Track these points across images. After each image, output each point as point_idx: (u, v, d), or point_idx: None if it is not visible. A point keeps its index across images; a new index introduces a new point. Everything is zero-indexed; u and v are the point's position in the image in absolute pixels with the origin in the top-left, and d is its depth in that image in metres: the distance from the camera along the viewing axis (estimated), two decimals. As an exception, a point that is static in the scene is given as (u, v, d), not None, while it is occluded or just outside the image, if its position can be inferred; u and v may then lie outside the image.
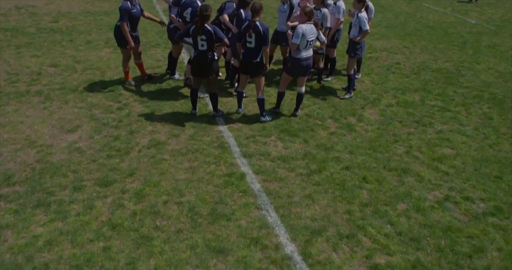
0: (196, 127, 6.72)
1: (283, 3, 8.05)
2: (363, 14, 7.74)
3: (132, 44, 7.47)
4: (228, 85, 8.33)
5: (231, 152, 6.13)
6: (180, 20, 7.52)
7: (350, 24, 9.22)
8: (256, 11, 6.37)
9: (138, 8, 7.57)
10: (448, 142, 6.92)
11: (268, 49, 6.63)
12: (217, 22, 7.87)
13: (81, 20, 11.97)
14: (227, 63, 8.41)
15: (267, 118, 7.03)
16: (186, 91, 7.94)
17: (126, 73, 7.95)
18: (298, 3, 8.14)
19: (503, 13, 17.23)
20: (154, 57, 9.50)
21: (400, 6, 17.17)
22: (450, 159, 6.43)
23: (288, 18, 8.12)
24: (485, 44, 12.61)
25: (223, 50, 7.08)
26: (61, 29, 11.06)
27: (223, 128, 6.77)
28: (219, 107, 7.15)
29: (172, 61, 8.29)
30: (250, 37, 6.47)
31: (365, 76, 9.39)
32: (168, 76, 8.55)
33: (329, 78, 9.01)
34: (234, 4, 7.55)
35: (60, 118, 6.73)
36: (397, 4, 17.39)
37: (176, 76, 8.42)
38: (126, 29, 7.34)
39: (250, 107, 7.54)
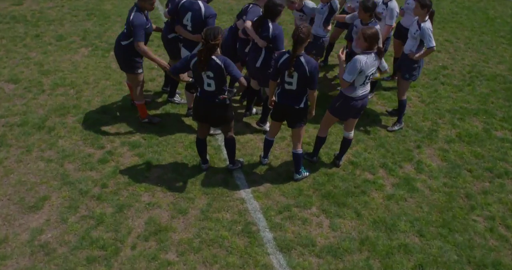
0: (209, 194, 4.93)
1: (322, 3, 6.15)
2: (427, 25, 5.79)
3: (165, 63, 5.41)
4: (243, 110, 6.42)
5: (261, 242, 4.40)
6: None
7: (397, 26, 7.28)
8: (301, 41, 4.36)
9: (151, 21, 5.46)
10: (538, 206, 5.29)
11: (315, 93, 4.69)
12: (234, 28, 5.88)
13: (51, 1, 9.58)
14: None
15: (304, 174, 5.26)
16: (190, 123, 6.03)
17: (142, 108, 5.80)
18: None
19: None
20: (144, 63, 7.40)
21: (426, -24, 14.81)
22: (548, 238, 4.83)
23: (326, 22, 6.30)
24: (536, 34, 10.69)
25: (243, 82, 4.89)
26: (26, 16, 8.74)
27: (245, 194, 4.98)
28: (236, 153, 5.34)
29: (172, 79, 6.28)
30: (291, 76, 4.51)
31: (411, 89, 7.52)
32: (165, 95, 6.58)
33: (369, 96, 7.14)
34: (261, 11, 5.51)
35: (19, 182, 4.84)
36: (423, -26, 15.00)
37: (177, 99, 6.45)
38: (146, 49, 5.26)
39: (277, 150, 5.72)
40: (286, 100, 4.71)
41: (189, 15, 5.31)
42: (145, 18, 5.20)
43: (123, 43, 5.30)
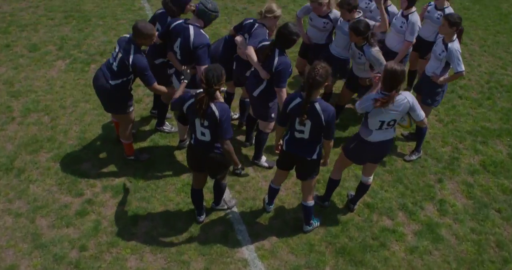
0: (207, 254, 4.23)
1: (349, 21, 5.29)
2: (455, 45, 5.03)
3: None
4: (242, 137, 5.68)
5: None
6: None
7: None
8: (317, 84, 3.57)
9: None
10: None
11: (332, 143, 3.95)
12: (229, 41, 5.14)
13: (24, 1, 8.58)
14: (242, 102, 5.72)
15: (315, 225, 4.58)
16: (183, 158, 5.28)
17: (129, 146, 5.05)
18: None
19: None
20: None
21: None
22: None
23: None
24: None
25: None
26: (-6, 20, 7.80)
27: (248, 252, 4.30)
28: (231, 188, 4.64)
29: (161, 105, 5.49)
30: (302, 124, 3.77)
31: (426, 106, 6.79)
32: (153, 121, 5.80)
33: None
34: (267, 33, 4.71)
35: (-18, 246, 4.11)
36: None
37: (166, 127, 5.67)
38: (162, 88, 4.62)
39: (282, 192, 5.01)
40: (295, 150, 3.97)
41: (178, 42, 4.52)
42: (144, 55, 4.42)
43: (113, 82, 4.42)
